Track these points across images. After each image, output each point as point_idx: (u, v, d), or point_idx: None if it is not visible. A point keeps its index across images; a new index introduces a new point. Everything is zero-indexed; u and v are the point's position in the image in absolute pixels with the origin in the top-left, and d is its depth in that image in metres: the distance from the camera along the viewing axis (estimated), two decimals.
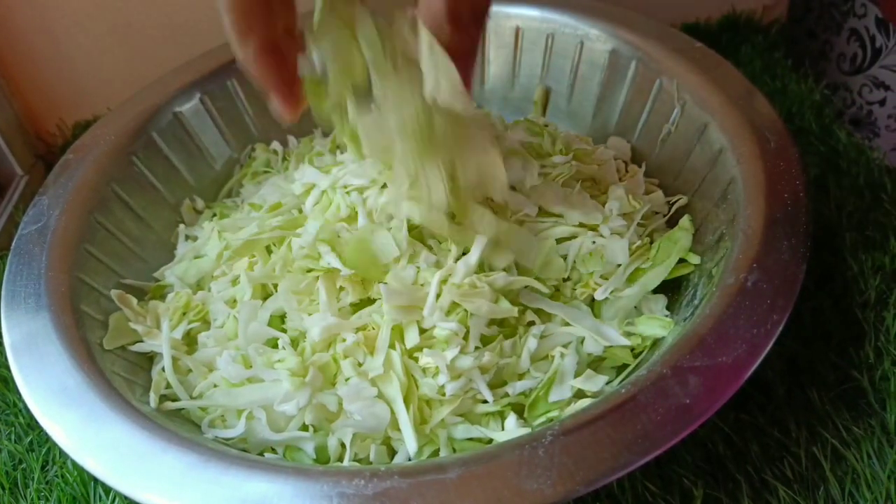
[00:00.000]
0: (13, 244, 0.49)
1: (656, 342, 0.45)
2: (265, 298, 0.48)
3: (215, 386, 0.46)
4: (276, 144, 0.64)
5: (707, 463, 0.44)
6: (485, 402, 0.43)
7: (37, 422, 0.40)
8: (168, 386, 0.46)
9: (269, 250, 0.51)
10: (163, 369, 0.47)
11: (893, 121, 0.75)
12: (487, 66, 0.67)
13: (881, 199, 0.58)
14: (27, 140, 0.75)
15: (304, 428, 0.43)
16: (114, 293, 0.50)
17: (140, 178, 0.57)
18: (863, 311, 0.50)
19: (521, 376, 0.45)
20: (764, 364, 0.38)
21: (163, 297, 0.53)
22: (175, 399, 0.46)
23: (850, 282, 0.52)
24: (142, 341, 0.48)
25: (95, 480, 0.46)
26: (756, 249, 0.42)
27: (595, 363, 0.46)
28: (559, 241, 0.49)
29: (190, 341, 0.49)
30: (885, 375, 0.47)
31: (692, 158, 0.53)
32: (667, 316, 0.47)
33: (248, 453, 0.42)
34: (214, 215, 0.59)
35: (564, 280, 0.48)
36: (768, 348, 0.38)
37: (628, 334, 0.46)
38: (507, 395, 0.44)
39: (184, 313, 0.50)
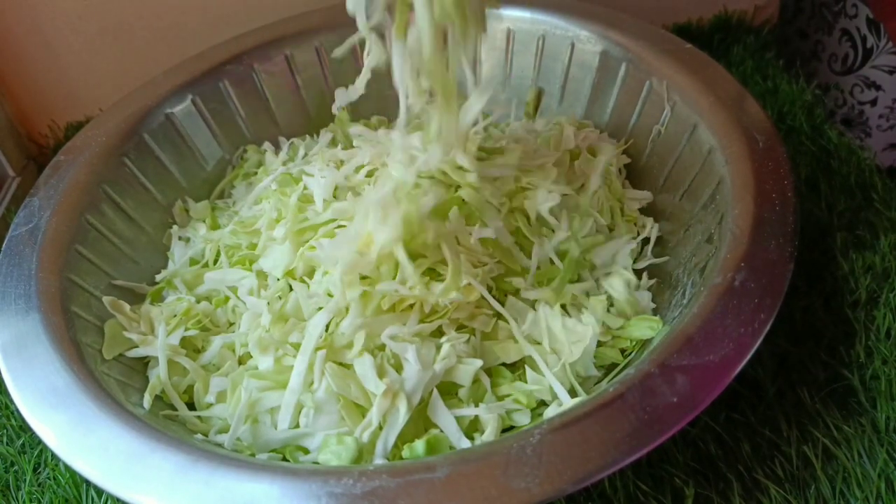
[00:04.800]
0: (3, 245, 0.49)
1: (645, 342, 0.46)
2: None
3: (211, 404, 0.46)
4: (267, 145, 0.65)
5: (698, 462, 0.44)
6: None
7: (28, 423, 0.40)
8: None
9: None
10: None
11: (885, 120, 0.75)
12: (479, 68, 0.67)
13: (872, 199, 0.58)
14: (19, 141, 0.75)
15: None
16: (106, 300, 0.50)
17: (131, 180, 0.57)
18: (853, 310, 0.50)
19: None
20: (755, 363, 0.38)
21: (161, 299, 0.53)
22: (171, 403, 0.46)
23: (841, 281, 0.52)
24: (137, 347, 0.49)
25: (88, 482, 0.46)
26: (744, 249, 0.42)
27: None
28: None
29: (187, 345, 0.49)
30: (876, 374, 0.47)
31: (681, 159, 0.54)
32: (653, 309, 0.47)
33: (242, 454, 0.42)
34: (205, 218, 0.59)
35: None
36: (755, 347, 0.38)
37: (616, 337, 0.46)
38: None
39: (181, 319, 0.50)
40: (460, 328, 0.46)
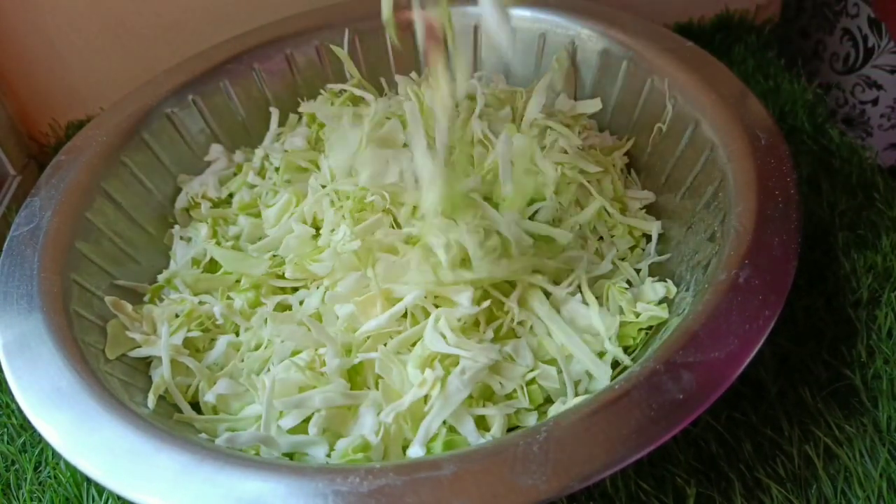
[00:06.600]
0: (5, 245, 0.49)
1: (648, 340, 0.46)
2: None
3: (215, 409, 0.46)
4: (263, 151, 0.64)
5: (700, 462, 0.44)
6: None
7: (29, 423, 0.40)
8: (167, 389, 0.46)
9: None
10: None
11: (886, 120, 0.75)
12: (480, 68, 0.67)
13: (873, 199, 0.58)
14: (20, 140, 0.75)
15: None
16: (108, 300, 0.50)
17: (132, 180, 0.57)
18: (855, 309, 0.50)
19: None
20: (757, 363, 0.38)
21: (160, 299, 0.53)
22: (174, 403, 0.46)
23: (843, 281, 0.52)
24: (140, 347, 0.48)
25: (88, 481, 0.46)
26: (747, 246, 0.42)
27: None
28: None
29: (189, 345, 0.49)
30: (878, 374, 0.47)
31: (683, 157, 0.54)
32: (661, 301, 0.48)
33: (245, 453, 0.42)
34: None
35: None
36: (760, 343, 0.38)
37: (626, 323, 0.46)
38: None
39: (184, 321, 0.50)
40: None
